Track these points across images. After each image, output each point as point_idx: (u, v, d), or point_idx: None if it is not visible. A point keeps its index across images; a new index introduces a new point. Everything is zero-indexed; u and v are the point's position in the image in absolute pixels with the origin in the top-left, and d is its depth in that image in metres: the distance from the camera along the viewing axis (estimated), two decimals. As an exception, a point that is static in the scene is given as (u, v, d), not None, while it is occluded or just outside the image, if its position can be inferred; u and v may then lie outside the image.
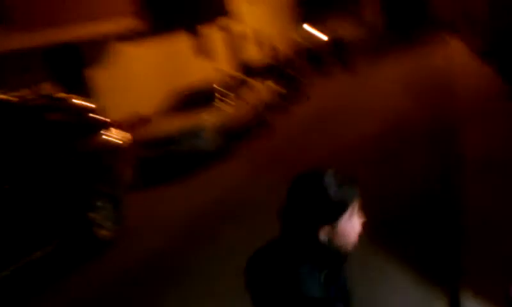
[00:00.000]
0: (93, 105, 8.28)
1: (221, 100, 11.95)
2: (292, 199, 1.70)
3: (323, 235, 1.65)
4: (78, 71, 12.08)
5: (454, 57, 16.68)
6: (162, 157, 10.64)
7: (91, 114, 7.98)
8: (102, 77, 12.63)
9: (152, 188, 9.94)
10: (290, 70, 18.57)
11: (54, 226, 6.29)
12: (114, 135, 8.07)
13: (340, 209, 1.66)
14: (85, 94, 11.21)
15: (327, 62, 21.61)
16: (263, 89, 14.36)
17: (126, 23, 12.73)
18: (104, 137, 7.81)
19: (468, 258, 4.10)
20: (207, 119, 11.09)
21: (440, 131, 8.56)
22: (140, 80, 14.22)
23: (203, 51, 18.97)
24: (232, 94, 12.43)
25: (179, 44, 17.36)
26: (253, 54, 23.26)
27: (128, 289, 5.59)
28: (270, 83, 15.54)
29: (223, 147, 11.03)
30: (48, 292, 5.89)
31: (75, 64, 12.07)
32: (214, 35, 20.23)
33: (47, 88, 10.18)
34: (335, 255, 1.71)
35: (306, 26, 35.00)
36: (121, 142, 8.15)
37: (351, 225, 1.70)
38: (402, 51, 24.67)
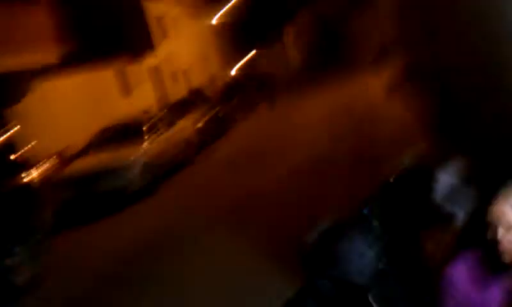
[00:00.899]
0: (11, 142, 8.01)
1: (147, 137, 11.87)
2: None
3: None
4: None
5: (371, 94, 17.47)
6: (85, 196, 10.36)
7: (9, 153, 7.71)
8: (25, 111, 12.19)
9: (75, 229, 9.61)
10: (214, 105, 18.78)
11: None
12: (34, 175, 7.81)
13: None
14: (4, 129, 10.81)
15: (252, 98, 22.02)
16: (187, 126, 14.41)
17: (49, 55, 12.43)
18: (22, 177, 7.55)
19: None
20: (132, 156, 10.98)
21: (358, 173, 8.87)
22: (65, 115, 13.85)
23: (129, 87, 18.81)
24: (157, 131, 12.39)
25: (104, 79, 17.13)
26: (178, 89, 23.30)
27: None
28: (194, 119, 15.61)
29: (147, 185, 10.91)
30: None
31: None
32: (139, 73, 20.13)
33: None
34: None
35: (236, 62, 35.64)
36: (41, 182, 7.89)
37: None
38: (323, 87, 25.58)
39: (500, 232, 2.00)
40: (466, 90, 4.08)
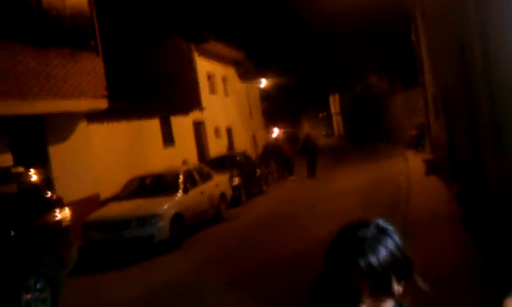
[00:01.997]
0: (47, 182, 8.24)
1: (181, 189, 12.01)
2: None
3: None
4: (40, 146, 12.06)
5: (410, 172, 17.32)
6: (112, 241, 10.49)
7: (44, 191, 7.93)
8: (63, 153, 12.59)
9: (97, 273, 9.69)
10: (252, 166, 18.95)
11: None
12: (64, 215, 7.97)
13: None
14: (44, 169, 11.15)
15: (293, 163, 22.13)
16: (223, 182, 14.54)
17: (96, 103, 12.89)
18: (53, 215, 7.71)
19: None
20: (164, 206, 11.10)
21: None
22: (103, 161, 14.20)
23: (171, 138, 19.25)
24: (192, 184, 12.54)
25: (148, 130, 17.61)
26: (219, 147, 23.67)
27: None
28: (231, 176, 15.77)
29: (175, 236, 10.96)
30: None
31: (38, 137, 12.07)
32: (184, 125, 20.64)
33: (6, 160, 10.10)
34: None
35: (275, 129, 36.17)
36: (69, 222, 8.03)
37: None
38: (362, 160, 25.56)
39: None
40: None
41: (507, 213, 3.83)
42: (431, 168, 15.42)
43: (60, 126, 12.41)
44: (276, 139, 33.75)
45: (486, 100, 3.96)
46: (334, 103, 67.19)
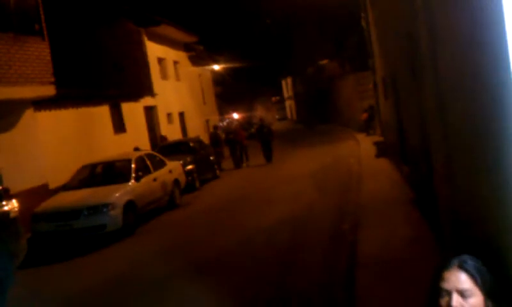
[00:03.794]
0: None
1: (133, 177, 11.82)
2: None
3: None
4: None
5: (361, 155, 17.67)
6: (63, 232, 10.24)
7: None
8: (10, 141, 12.15)
9: (48, 265, 9.44)
10: (205, 151, 18.86)
11: None
12: (11, 206, 7.70)
13: None
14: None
15: (245, 148, 22.08)
16: (176, 168, 14.41)
17: (42, 90, 12.47)
18: (2, 205, 7.44)
19: None
20: (115, 195, 10.90)
21: (340, 227, 8.91)
22: (51, 149, 13.79)
23: (122, 124, 18.88)
24: (145, 171, 12.36)
25: (98, 116, 17.20)
26: (171, 132, 23.41)
27: None
28: (184, 162, 15.64)
29: (128, 224, 10.80)
30: None
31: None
32: (135, 111, 20.27)
33: None
34: None
35: (234, 114, 36.11)
36: (17, 213, 7.77)
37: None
38: (314, 143, 25.90)
39: (455, 298, 2.01)
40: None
41: (451, 197, 3.97)
42: (382, 151, 15.78)
43: (5, 114, 11.95)
44: (229, 124, 33.68)
45: (432, 86, 4.06)
46: (286, 87, 67.63)
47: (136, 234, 10.86)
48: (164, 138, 20.94)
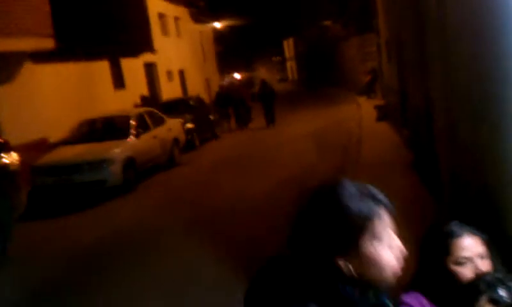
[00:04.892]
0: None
1: (133, 133, 11.81)
2: (300, 222, 1.36)
3: (344, 265, 1.29)
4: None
5: (363, 117, 17.62)
6: (63, 186, 10.28)
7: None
8: (9, 95, 12.08)
9: (48, 218, 9.52)
10: (205, 110, 18.78)
11: None
12: (12, 159, 7.71)
13: (358, 227, 1.30)
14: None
15: (248, 108, 21.90)
16: (175, 126, 14.37)
17: (41, 43, 12.32)
18: (1, 158, 7.45)
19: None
20: (115, 150, 10.91)
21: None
22: (51, 103, 13.73)
23: (122, 80, 18.75)
24: (144, 129, 12.33)
25: (98, 70, 17.06)
26: (171, 90, 23.28)
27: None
28: (184, 120, 15.59)
29: (128, 180, 10.84)
30: None
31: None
32: (135, 68, 20.10)
33: None
34: (363, 294, 1.31)
35: (236, 74, 35.85)
36: (17, 167, 7.79)
37: (380, 249, 1.31)
38: (316, 105, 25.80)
39: (480, 263, 2.00)
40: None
41: (453, 158, 3.96)
42: (382, 114, 15.73)
43: (4, 66, 11.84)
44: (232, 83, 33.40)
45: (438, 47, 4.01)
46: (288, 47, 66.90)
47: (135, 190, 10.91)
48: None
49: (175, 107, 17.32)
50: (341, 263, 1.28)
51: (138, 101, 18.25)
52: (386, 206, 1.35)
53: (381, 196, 1.36)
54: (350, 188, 1.33)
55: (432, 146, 5.69)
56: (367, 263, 1.30)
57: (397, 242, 1.35)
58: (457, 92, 3.52)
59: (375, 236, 1.30)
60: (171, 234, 7.49)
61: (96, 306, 5.44)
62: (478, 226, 2.11)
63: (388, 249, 1.32)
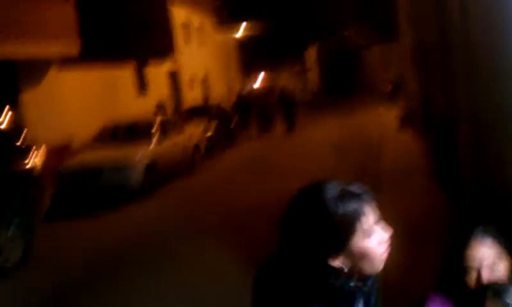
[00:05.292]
0: (19, 129, 8.07)
1: (155, 139, 11.91)
2: (289, 226, 1.41)
3: (337, 263, 1.35)
4: (10, 89, 11.73)
5: (384, 126, 17.45)
6: (85, 189, 10.41)
7: (15, 139, 7.77)
8: (36, 98, 12.31)
9: (70, 221, 9.64)
10: (228, 117, 18.85)
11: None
12: (35, 163, 7.84)
13: (347, 229, 1.34)
14: (15, 113, 10.90)
15: (269, 115, 21.85)
16: (197, 133, 14.44)
17: (68, 48, 12.54)
18: (24, 163, 7.58)
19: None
20: (136, 155, 11.01)
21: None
22: (76, 107, 13.93)
23: (145, 87, 18.95)
24: (166, 134, 12.43)
25: (122, 76, 17.28)
26: (193, 96, 23.43)
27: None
28: (204, 126, 15.65)
29: (148, 186, 10.92)
30: None
31: (8, 81, 11.73)
32: (158, 75, 20.30)
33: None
34: (352, 286, 1.37)
35: (256, 82, 35.92)
36: (41, 170, 7.91)
37: (370, 243, 1.37)
38: (337, 113, 25.64)
39: (485, 273, 1.97)
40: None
41: (478, 168, 3.90)
42: (405, 122, 15.58)
43: (32, 72, 12.09)
44: (252, 90, 33.44)
45: (461, 50, 3.96)
46: (310, 56, 66.86)
47: (155, 195, 10.97)
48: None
49: (197, 115, 17.41)
50: (333, 262, 1.34)
51: (161, 106, 18.38)
52: (369, 202, 1.39)
53: (363, 192, 1.40)
54: (333, 190, 1.36)
55: (455, 153, 5.62)
56: (358, 258, 1.36)
57: (383, 232, 1.39)
58: (481, 96, 3.48)
59: (363, 234, 1.35)
60: (190, 240, 7.51)
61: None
62: (499, 231, 2.07)
63: (376, 241, 1.37)
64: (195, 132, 14.34)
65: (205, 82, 26.64)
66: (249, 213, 8.66)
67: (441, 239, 2.24)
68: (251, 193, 10.32)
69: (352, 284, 1.37)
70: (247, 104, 22.47)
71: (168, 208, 9.97)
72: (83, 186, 10.39)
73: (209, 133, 15.98)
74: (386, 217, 1.49)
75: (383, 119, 19.32)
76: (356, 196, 1.37)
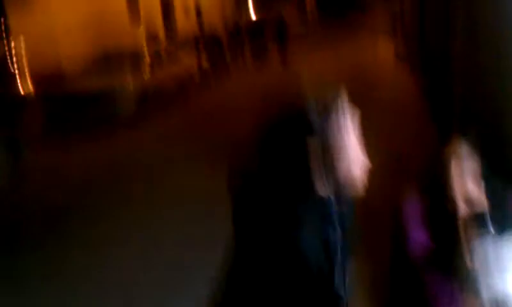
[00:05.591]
0: (8, 55, 7.94)
1: (147, 67, 11.76)
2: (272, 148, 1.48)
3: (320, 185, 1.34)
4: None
5: (381, 58, 17.25)
6: (75, 114, 10.33)
7: (5, 64, 7.67)
8: (25, 21, 11.99)
9: (61, 145, 9.60)
10: (221, 46, 18.55)
11: None
12: (29, 86, 7.77)
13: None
14: (4, 43, 10.70)
15: (264, 45, 21.39)
16: (188, 60, 14.23)
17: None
18: (14, 87, 7.50)
19: None
20: (128, 82, 10.90)
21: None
22: (70, 32, 13.61)
23: (137, 14, 18.50)
24: (157, 61, 12.26)
25: (114, 5, 16.82)
26: (185, 23, 22.93)
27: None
28: (196, 54, 15.43)
29: (138, 112, 10.85)
30: None
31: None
32: (151, 3, 19.79)
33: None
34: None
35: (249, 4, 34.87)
36: (35, 94, 7.86)
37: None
38: (333, 41, 24.99)
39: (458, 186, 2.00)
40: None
41: (473, 103, 3.90)
42: (401, 57, 15.43)
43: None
44: (250, 18, 32.58)
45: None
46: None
47: (148, 122, 10.88)
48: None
49: (190, 44, 17.11)
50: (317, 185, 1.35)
51: (154, 33, 18.01)
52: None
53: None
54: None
55: (450, 92, 5.58)
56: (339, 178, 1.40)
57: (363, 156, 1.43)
58: (479, 37, 3.42)
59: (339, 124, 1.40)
60: (180, 165, 7.56)
61: (99, 232, 5.61)
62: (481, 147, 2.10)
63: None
64: (189, 62, 14.14)
65: (198, 10, 25.99)
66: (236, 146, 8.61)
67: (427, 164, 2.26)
68: (242, 125, 10.23)
69: (334, 207, 1.39)
70: (242, 34, 21.98)
71: (160, 136, 9.96)
72: (72, 113, 10.31)
73: (203, 63, 15.76)
74: (375, 143, 1.49)
75: (380, 53, 19.07)
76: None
